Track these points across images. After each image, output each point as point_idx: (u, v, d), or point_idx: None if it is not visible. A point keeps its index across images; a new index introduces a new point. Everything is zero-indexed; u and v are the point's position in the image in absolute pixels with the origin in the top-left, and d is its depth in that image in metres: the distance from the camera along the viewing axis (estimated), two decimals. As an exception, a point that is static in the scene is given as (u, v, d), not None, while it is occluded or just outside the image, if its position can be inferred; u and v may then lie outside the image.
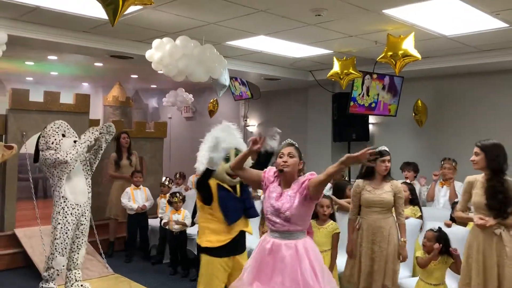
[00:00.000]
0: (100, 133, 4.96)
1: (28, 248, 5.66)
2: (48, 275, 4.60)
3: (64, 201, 4.62)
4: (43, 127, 4.85)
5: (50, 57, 7.39)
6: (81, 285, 4.89)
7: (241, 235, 3.54)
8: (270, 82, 8.26)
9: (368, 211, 3.92)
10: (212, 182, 3.54)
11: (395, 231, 3.86)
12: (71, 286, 4.81)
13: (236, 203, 3.52)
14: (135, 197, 6.24)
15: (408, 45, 4.68)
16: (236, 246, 3.50)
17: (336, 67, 5.86)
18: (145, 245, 6.44)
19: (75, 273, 4.82)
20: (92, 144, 4.87)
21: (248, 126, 10.30)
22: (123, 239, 6.60)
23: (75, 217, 4.66)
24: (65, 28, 5.17)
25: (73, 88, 7.62)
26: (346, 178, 6.64)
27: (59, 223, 4.58)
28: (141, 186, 6.36)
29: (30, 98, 6.24)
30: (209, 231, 3.44)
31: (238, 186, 3.64)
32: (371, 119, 7.98)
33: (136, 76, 9.51)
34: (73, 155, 4.59)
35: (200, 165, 3.60)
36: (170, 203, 5.79)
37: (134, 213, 6.20)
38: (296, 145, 3.07)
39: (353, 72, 5.87)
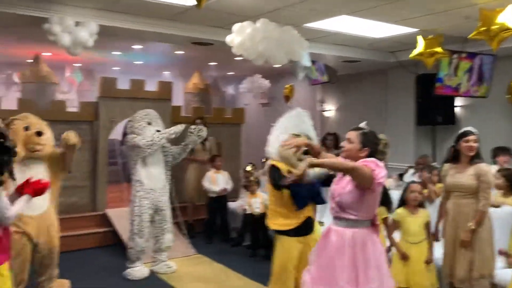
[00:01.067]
0: (189, 132, 5.15)
1: (118, 228, 6.01)
2: (130, 255, 4.92)
3: (140, 185, 4.93)
4: (130, 114, 5.15)
5: (135, 47, 7.73)
6: (166, 264, 5.14)
7: (308, 220, 3.61)
8: (348, 64, 8.05)
9: (452, 196, 3.78)
10: (283, 168, 3.59)
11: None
12: (157, 265, 5.09)
13: (306, 190, 3.54)
14: (216, 181, 6.40)
15: (505, 18, 4.30)
16: (305, 229, 3.59)
17: (421, 47, 5.55)
18: (224, 227, 6.59)
19: (162, 254, 5.10)
20: (172, 138, 5.03)
21: (324, 111, 10.13)
22: (201, 221, 6.81)
23: (150, 201, 4.93)
24: (150, 16, 5.36)
25: (156, 77, 7.92)
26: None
27: (135, 206, 4.90)
28: (221, 170, 6.50)
29: (117, 86, 6.59)
30: (278, 214, 3.56)
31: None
32: (458, 101, 7.50)
33: (214, 63, 9.69)
34: (147, 142, 4.85)
35: (271, 149, 3.66)
36: (245, 187, 5.91)
37: (215, 196, 6.36)
38: (365, 131, 2.90)
39: (439, 51, 5.52)
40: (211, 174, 6.42)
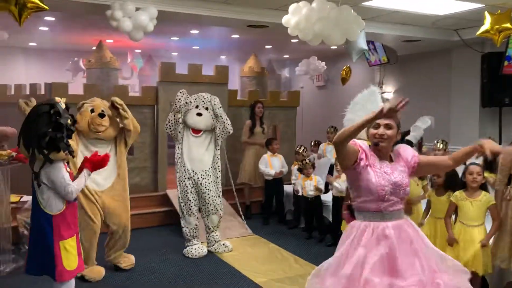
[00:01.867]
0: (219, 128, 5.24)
1: (178, 207, 6.21)
2: (185, 234, 5.11)
3: (182, 167, 5.10)
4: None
5: (193, 31, 7.87)
6: (223, 244, 5.28)
7: None
8: (409, 44, 7.75)
9: None
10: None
11: None
12: (213, 246, 5.24)
13: None
14: (272, 164, 6.44)
15: None
16: None
17: (488, 23, 5.24)
18: (280, 210, 6.64)
19: (213, 235, 5.25)
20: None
21: (383, 93, 9.85)
22: (258, 203, 6.90)
23: (192, 182, 5.08)
24: (206, 0, 5.42)
25: (213, 62, 8.04)
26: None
27: (179, 185, 5.10)
28: (276, 153, 6.53)
29: (176, 71, 6.76)
30: None
31: None
32: (528, 81, 7.03)
33: (270, 46, 9.68)
34: (168, 121, 5.13)
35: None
36: (300, 170, 5.90)
37: (271, 178, 6.41)
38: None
39: (508, 27, 5.19)
40: (267, 157, 6.47)
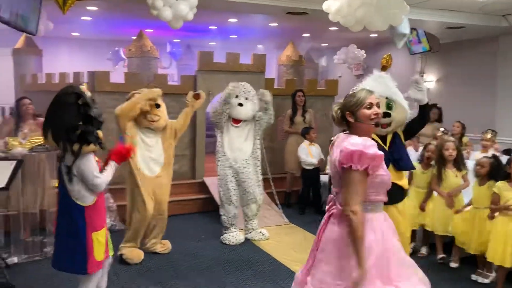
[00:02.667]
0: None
1: (216, 194, 6.28)
2: (223, 221, 5.16)
3: (223, 155, 5.14)
4: (226, 86, 5.34)
5: (231, 20, 7.87)
6: (260, 232, 5.31)
7: (392, 186, 3.40)
8: (453, 31, 7.49)
9: None
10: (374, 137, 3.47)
11: None
12: (250, 233, 5.28)
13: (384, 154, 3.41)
14: (312, 153, 6.42)
15: None
16: (390, 197, 3.37)
17: (540, 7, 5.00)
18: (317, 199, 6.60)
19: (251, 223, 5.29)
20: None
21: (425, 82, 9.58)
22: (298, 192, 6.89)
23: (233, 171, 5.11)
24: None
25: (250, 51, 8.01)
26: None
27: (219, 174, 5.14)
28: (313, 142, 6.49)
29: (214, 60, 6.79)
30: None
31: (389, 137, 3.57)
32: None
33: (308, 34, 9.57)
34: (215, 110, 5.14)
35: None
36: None
37: (311, 168, 6.38)
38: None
39: (562, 11, 4.93)
40: (306, 146, 6.43)
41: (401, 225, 3.55)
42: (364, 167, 2.20)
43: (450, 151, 4.35)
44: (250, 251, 4.89)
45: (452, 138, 4.82)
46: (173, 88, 6.76)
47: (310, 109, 6.95)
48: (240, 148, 5.25)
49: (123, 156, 3.09)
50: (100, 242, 2.90)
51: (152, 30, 8.86)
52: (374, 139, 3.49)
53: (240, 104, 5.19)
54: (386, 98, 3.54)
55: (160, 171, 4.65)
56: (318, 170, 6.51)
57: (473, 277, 4.12)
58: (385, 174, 2.36)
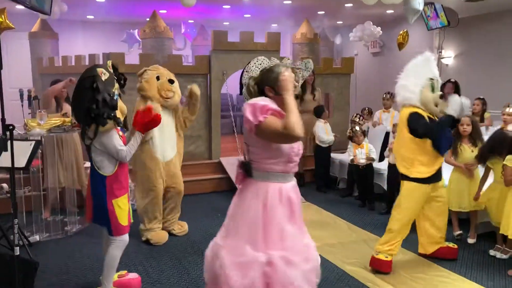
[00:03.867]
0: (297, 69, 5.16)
1: (232, 174, 6.33)
2: None
3: None
4: (240, 66, 5.29)
5: (244, -1, 7.80)
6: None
7: (441, 167, 3.77)
8: (472, 5, 7.27)
9: None
10: (424, 114, 3.61)
11: None
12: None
13: (447, 134, 3.62)
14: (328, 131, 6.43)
15: None
16: (438, 175, 3.75)
17: None
18: (328, 177, 6.61)
19: None
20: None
21: (442, 58, 9.40)
22: (311, 171, 6.89)
23: None
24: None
25: (265, 30, 7.93)
26: None
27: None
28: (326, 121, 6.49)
29: (228, 40, 6.76)
30: (418, 163, 3.63)
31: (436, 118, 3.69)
32: None
33: (323, 12, 9.43)
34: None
35: (409, 94, 3.64)
36: (350, 138, 5.80)
37: (326, 146, 6.38)
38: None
39: None
40: (322, 124, 6.41)
41: (441, 201, 3.86)
42: (269, 113, 2.21)
43: (465, 126, 4.32)
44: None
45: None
46: (187, 69, 6.78)
47: (318, 88, 6.91)
48: None
49: (146, 124, 3.23)
50: (121, 208, 3.16)
51: (165, 11, 8.83)
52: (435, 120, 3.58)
53: None
54: (437, 80, 3.62)
55: (174, 156, 4.61)
56: (330, 148, 6.49)
57: (491, 252, 4.10)
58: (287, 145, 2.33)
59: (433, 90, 3.59)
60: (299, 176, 6.77)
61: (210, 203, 5.97)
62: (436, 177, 3.71)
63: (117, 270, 3.38)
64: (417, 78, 3.62)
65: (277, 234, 2.31)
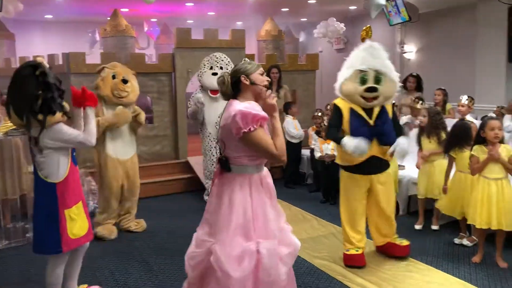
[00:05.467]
0: None
1: (200, 174, 6.25)
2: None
3: (207, 136, 5.14)
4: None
5: (207, -4, 7.73)
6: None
7: (374, 159, 3.63)
8: (432, 0, 7.45)
9: None
10: (345, 106, 3.58)
11: None
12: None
13: (366, 129, 3.53)
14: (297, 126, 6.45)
15: None
16: (371, 167, 3.66)
17: (516, -29, 4.98)
18: (298, 173, 6.63)
19: None
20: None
21: (404, 53, 9.59)
22: (279, 167, 6.89)
23: (218, 149, 5.09)
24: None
25: (229, 28, 7.87)
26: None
27: (205, 155, 5.14)
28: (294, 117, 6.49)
29: (192, 37, 6.66)
30: (342, 152, 3.65)
31: (376, 110, 3.61)
32: (559, 32, 6.72)
33: (286, 9, 9.46)
34: (189, 112, 5.21)
35: (336, 85, 3.71)
36: (318, 133, 5.84)
37: (297, 141, 6.38)
38: None
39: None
40: (291, 120, 6.41)
41: (380, 194, 3.67)
42: (259, 124, 2.35)
43: (421, 118, 4.52)
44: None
45: (425, 106, 4.93)
46: (150, 67, 6.65)
47: (285, 85, 6.91)
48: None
49: (93, 96, 3.04)
50: (73, 220, 2.85)
51: (127, 10, 8.66)
52: (358, 113, 3.56)
53: (215, 74, 5.17)
54: (375, 71, 3.53)
55: (132, 156, 4.62)
56: (300, 143, 6.51)
57: (456, 240, 4.19)
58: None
59: (364, 82, 3.54)
60: (268, 173, 6.77)
61: (179, 203, 5.87)
62: (365, 169, 3.64)
63: (83, 277, 3.27)
64: (347, 68, 3.60)
65: (262, 221, 2.43)
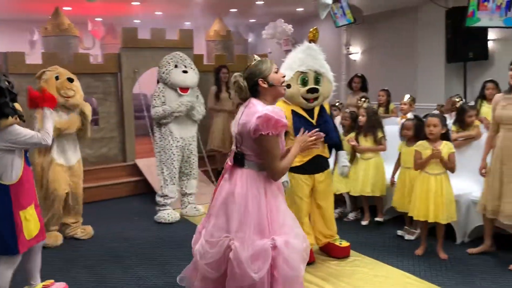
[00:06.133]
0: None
1: (149, 177, 6.14)
2: (163, 201, 5.08)
3: (170, 134, 5.01)
4: (152, 64, 5.16)
5: (154, -5, 7.60)
6: (195, 207, 5.28)
7: (317, 158, 3.70)
8: (375, 3, 7.70)
9: (501, 128, 3.65)
10: (286, 108, 3.60)
11: None
12: (186, 208, 5.25)
13: (310, 129, 3.51)
14: None
15: None
16: (315, 167, 3.71)
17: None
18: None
19: (189, 197, 5.26)
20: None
21: (350, 54, 9.85)
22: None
23: (180, 150, 5.06)
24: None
25: (177, 28, 7.78)
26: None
27: (164, 154, 5.04)
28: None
29: (139, 37, 6.53)
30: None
31: (316, 110, 3.69)
32: (491, 34, 7.12)
33: (235, 10, 9.47)
34: (157, 115, 4.93)
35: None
36: None
37: None
38: None
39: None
40: (239, 120, 6.40)
41: (321, 193, 3.80)
42: (277, 132, 2.40)
43: (360, 118, 4.71)
44: (186, 229, 4.82)
45: (364, 105, 5.10)
46: (95, 67, 6.47)
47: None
48: (187, 126, 5.15)
49: (51, 97, 3.08)
50: (28, 220, 2.86)
51: (70, 8, 8.36)
52: (300, 113, 3.61)
53: (185, 71, 5.05)
54: (315, 72, 3.61)
55: (77, 162, 4.46)
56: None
57: (399, 232, 4.36)
58: (281, 142, 2.55)
59: (305, 83, 3.59)
60: (218, 174, 6.74)
61: (127, 207, 5.72)
62: (310, 168, 3.68)
63: (42, 278, 3.24)
64: (287, 70, 3.62)
65: (278, 217, 2.46)
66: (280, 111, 2.44)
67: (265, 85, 2.47)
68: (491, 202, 3.65)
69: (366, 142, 4.65)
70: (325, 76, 3.68)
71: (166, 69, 5.03)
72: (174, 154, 5.03)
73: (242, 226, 2.40)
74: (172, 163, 5.04)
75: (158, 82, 5.22)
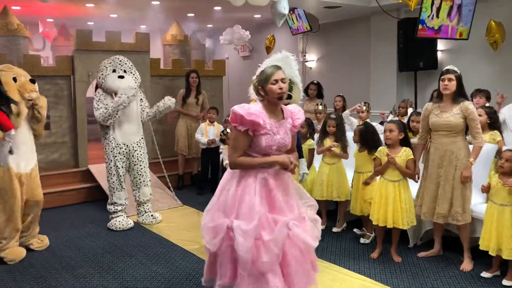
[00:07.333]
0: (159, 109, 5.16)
1: (102, 182, 5.96)
2: (113, 208, 4.93)
3: (113, 140, 4.86)
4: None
5: (109, -3, 7.43)
6: (152, 215, 5.16)
7: None
8: (330, 11, 7.88)
9: (435, 135, 3.85)
10: None
11: (464, 156, 3.71)
12: (142, 216, 5.13)
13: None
14: (208, 133, 6.31)
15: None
16: None
17: (403, -12, 5.45)
18: (214, 180, 6.57)
19: (144, 206, 5.13)
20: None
21: (306, 61, 10.02)
22: (190, 174, 6.82)
23: (124, 156, 4.92)
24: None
25: (133, 31, 7.64)
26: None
27: (110, 162, 4.87)
28: (215, 123, 6.40)
29: (93, 39, 6.36)
30: None
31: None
32: (440, 45, 7.46)
33: (192, 14, 9.41)
34: (103, 115, 4.75)
35: (252, 91, 3.69)
36: (222, 141, 5.83)
37: (205, 147, 6.29)
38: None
39: (422, -9, 5.43)
40: (204, 126, 6.35)
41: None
42: (245, 129, 2.62)
43: (331, 128, 4.65)
44: (142, 236, 4.73)
45: (332, 116, 5.17)
46: (47, 70, 6.24)
47: (204, 91, 6.87)
48: (131, 132, 4.97)
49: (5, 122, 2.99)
50: None
51: (19, 8, 8.03)
52: None
53: (121, 77, 4.90)
54: (289, 80, 3.68)
55: (33, 168, 4.19)
56: (217, 150, 6.41)
57: (355, 230, 4.53)
58: (264, 144, 2.67)
59: (290, 90, 3.66)
60: (179, 179, 6.66)
61: (79, 214, 5.54)
62: None
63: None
64: None
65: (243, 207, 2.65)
66: (250, 109, 2.64)
67: (262, 93, 2.74)
68: (427, 204, 3.85)
69: (334, 148, 4.62)
70: (296, 84, 3.81)
71: (102, 74, 4.89)
72: (118, 161, 4.89)
73: (214, 205, 2.77)
74: (117, 170, 4.89)
75: (96, 87, 5.06)
